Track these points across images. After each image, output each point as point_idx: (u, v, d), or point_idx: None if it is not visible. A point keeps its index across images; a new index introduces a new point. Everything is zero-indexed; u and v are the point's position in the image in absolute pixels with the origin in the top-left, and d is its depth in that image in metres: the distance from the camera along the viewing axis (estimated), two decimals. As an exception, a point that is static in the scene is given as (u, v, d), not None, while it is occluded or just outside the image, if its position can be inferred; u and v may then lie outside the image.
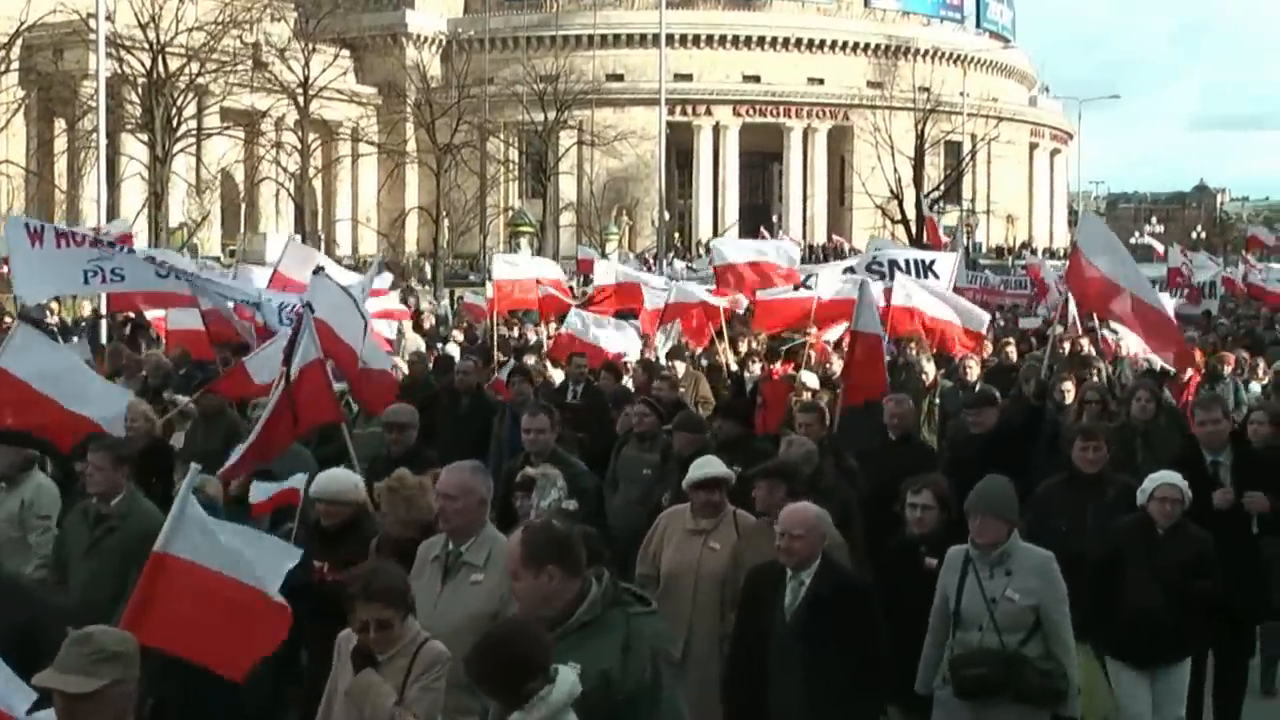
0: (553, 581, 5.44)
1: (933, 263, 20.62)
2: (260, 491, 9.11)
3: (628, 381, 16.04)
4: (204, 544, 6.39)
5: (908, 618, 7.67)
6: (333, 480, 8.32)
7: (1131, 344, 17.21)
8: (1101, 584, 8.49)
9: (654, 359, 18.15)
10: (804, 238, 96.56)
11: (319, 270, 12.95)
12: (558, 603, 5.43)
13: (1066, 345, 19.71)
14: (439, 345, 21.53)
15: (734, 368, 18.20)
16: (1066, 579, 7.73)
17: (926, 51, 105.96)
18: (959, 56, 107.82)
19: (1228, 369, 17.98)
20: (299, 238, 48.75)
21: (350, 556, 7.64)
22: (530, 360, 17.65)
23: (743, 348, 19.89)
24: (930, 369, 15.56)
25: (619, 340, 18.29)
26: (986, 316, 19.40)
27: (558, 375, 16.93)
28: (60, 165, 62.28)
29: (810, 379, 15.09)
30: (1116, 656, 8.49)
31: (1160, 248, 58.84)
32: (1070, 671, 7.47)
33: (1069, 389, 13.66)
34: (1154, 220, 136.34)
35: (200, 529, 6.43)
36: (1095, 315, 17.22)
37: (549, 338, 20.78)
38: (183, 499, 6.45)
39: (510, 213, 78.10)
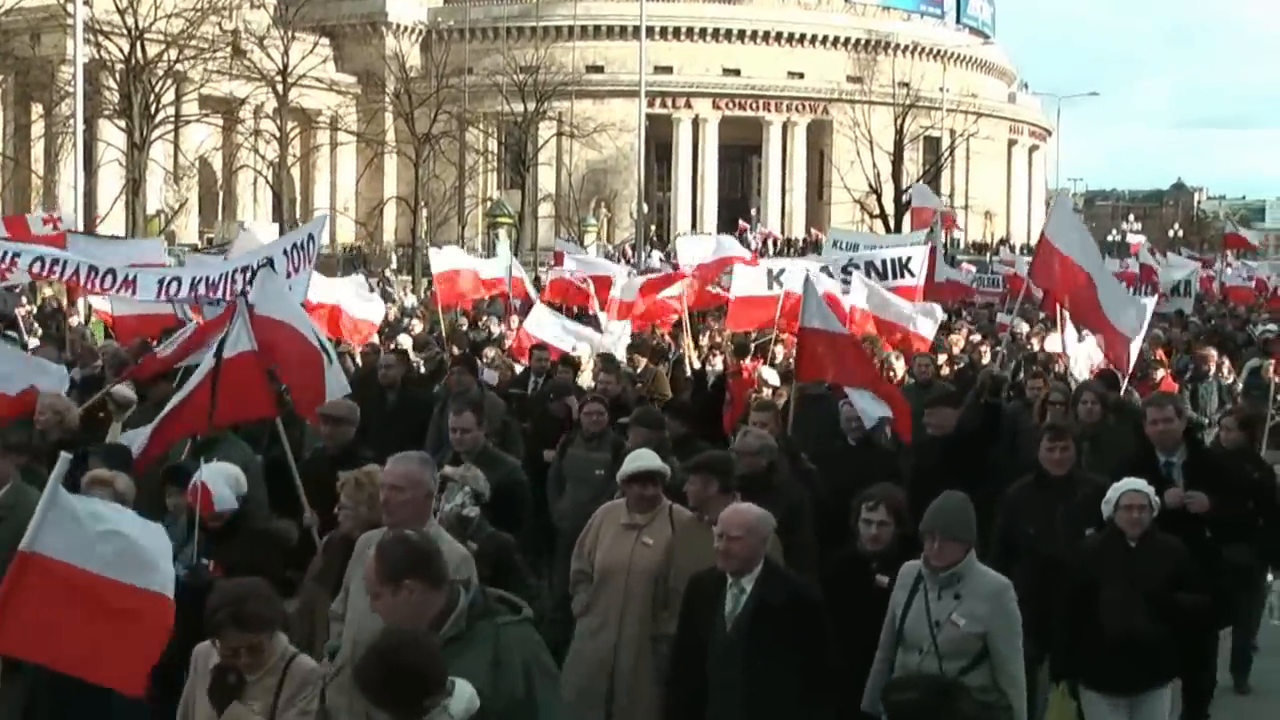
0: (414, 595, 5.17)
1: (908, 260, 20.58)
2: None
3: (586, 376, 15.69)
4: (76, 541, 5.77)
5: (851, 635, 7.27)
6: (215, 474, 7.86)
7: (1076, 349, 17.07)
8: (1081, 611, 7.94)
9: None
10: (782, 231, 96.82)
11: (266, 263, 12.40)
12: (424, 618, 5.13)
13: (1035, 342, 19.74)
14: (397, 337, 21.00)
15: (696, 364, 17.96)
16: (1039, 584, 7.40)
17: (906, 47, 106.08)
18: (938, 52, 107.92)
19: (1211, 368, 17.83)
20: (276, 227, 48.73)
21: (236, 553, 7.30)
22: (491, 353, 17.41)
23: (704, 342, 19.71)
24: (899, 367, 15.47)
25: (572, 338, 18.17)
26: (934, 321, 19.09)
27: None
28: (37, 150, 62.10)
29: (770, 375, 14.73)
30: (1096, 687, 7.99)
31: (1138, 241, 59.06)
32: (1016, 705, 7.00)
33: (1039, 387, 13.43)
34: (1131, 218, 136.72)
35: (72, 523, 5.79)
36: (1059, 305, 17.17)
37: (511, 330, 20.64)
38: (51, 491, 5.82)
39: (489, 203, 78.09)
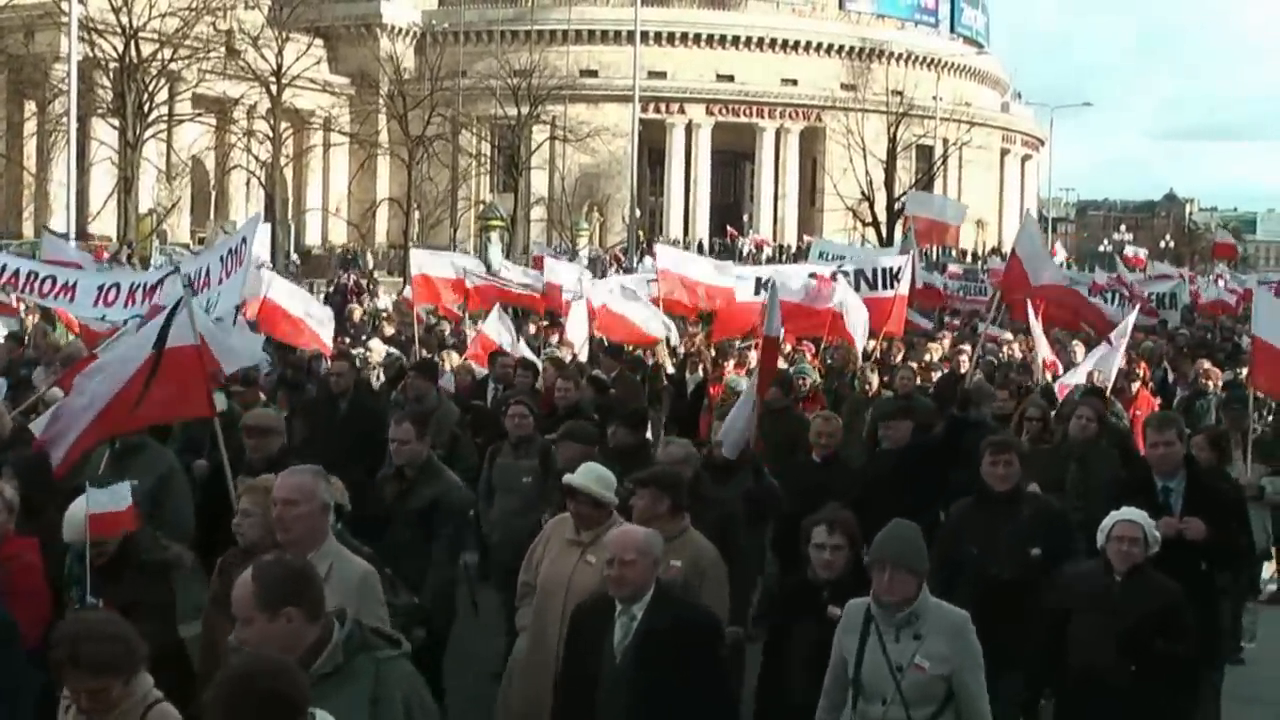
0: (292, 624, 4.76)
1: (898, 270, 20.69)
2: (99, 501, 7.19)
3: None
4: None
5: (801, 669, 6.80)
6: (102, 500, 7.10)
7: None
8: (1059, 647, 7.40)
9: (572, 357, 17.37)
10: (774, 238, 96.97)
11: (187, 281, 12.00)
12: (297, 650, 4.72)
13: (1005, 351, 19.66)
14: (362, 341, 20.51)
15: (670, 370, 17.80)
16: (981, 608, 6.86)
17: (900, 55, 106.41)
18: (932, 61, 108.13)
19: (1211, 383, 17.24)
20: (269, 227, 48.71)
21: (127, 590, 6.71)
22: (454, 359, 17.11)
23: (679, 347, 19.47)
24: (874, 379, 15.30)
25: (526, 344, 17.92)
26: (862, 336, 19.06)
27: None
28: (30, 148, 62.10)
29: (738, 382, 14.47)
30: None
31: (1131, 253, 59.08)
32: None
33: (1004, 398, 13.12)
34: (1123, 228, 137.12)
35: None
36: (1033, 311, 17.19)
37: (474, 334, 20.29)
38: None
39: (481, 206, 78.27)
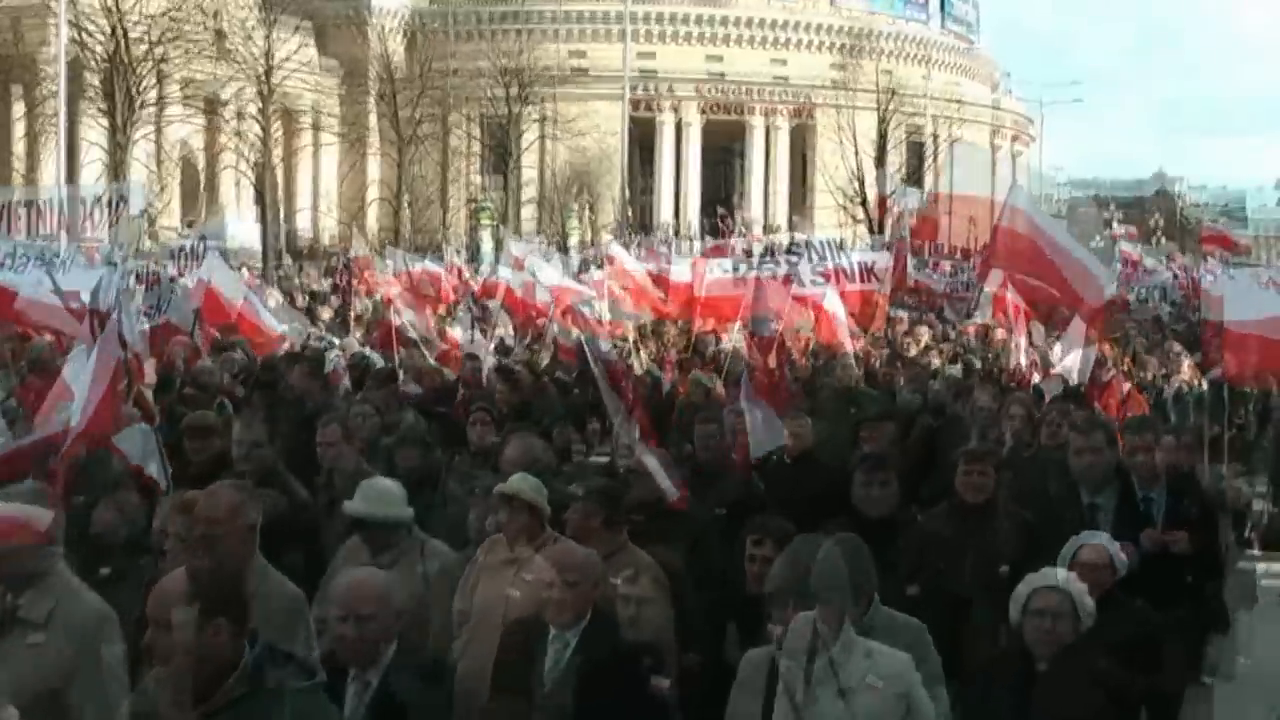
0: (218, 638, 4.41)
1: (873, 265, 20.65)
2: None
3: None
4: None
5: (747, 694, 6.00)
6: None
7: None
8: (1019, 693, 6.18)
9: (550, 359, 17.12)
10: (764, 233, 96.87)
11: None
12: (213, 664, 4.40)
13: (994, 337, 19.43)
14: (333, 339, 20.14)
15: (639, 372, 17.17)
16: (948, 627, 6.45)
17: (890, 50, 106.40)
18: (923, 55, 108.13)
19: (1187, 383, 17.03)
20: (260, 227, 48.60)
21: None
22: (414, 356, 16.66)
23: (645, 351, 19.18)
24: (849, 374, 15.04)
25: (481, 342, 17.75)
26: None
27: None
28: (19, 149, 62.06)
29: (706, 379, 14.13)
30: None
31: (1136, 255, 58.86)
32: None
33: (982, 398, 12.61)
34: (1115, 224, 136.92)
35: None
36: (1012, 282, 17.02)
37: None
38: None
39: (473, 206, 78.23)
